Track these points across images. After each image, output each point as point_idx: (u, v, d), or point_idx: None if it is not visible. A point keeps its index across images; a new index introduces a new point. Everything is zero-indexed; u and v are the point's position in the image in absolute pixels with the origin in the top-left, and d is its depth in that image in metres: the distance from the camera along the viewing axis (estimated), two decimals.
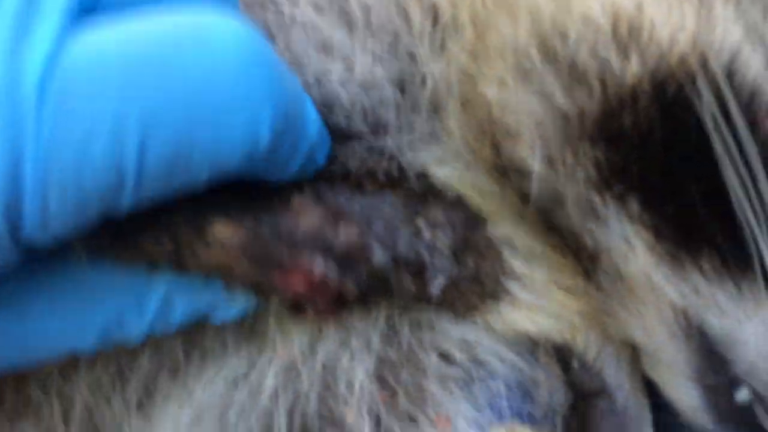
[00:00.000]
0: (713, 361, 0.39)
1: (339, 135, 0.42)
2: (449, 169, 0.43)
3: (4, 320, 0.36)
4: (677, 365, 0.40)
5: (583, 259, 0.41)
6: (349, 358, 0.44)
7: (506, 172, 0.42)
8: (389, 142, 0.42)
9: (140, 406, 0.45)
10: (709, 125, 0.36)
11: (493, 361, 0.45)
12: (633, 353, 0.44)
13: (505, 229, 0.43)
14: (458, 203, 0.43)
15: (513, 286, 0.43)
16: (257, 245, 0.38)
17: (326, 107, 0.41)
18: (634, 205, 0.38)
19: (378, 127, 0.42)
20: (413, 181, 0.43)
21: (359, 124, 0.42)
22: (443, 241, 0.41)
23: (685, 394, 0.40)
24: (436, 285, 0.41)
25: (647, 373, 0.43)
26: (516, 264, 0.43)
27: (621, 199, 0.39)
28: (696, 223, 0.37)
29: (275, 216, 0.39)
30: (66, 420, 0.44)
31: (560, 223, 0.41)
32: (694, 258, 0.38)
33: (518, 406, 0.46)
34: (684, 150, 0.37)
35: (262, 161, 0.35)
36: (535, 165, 0.39)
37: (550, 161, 0.39)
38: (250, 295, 0.40)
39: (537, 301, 0.43)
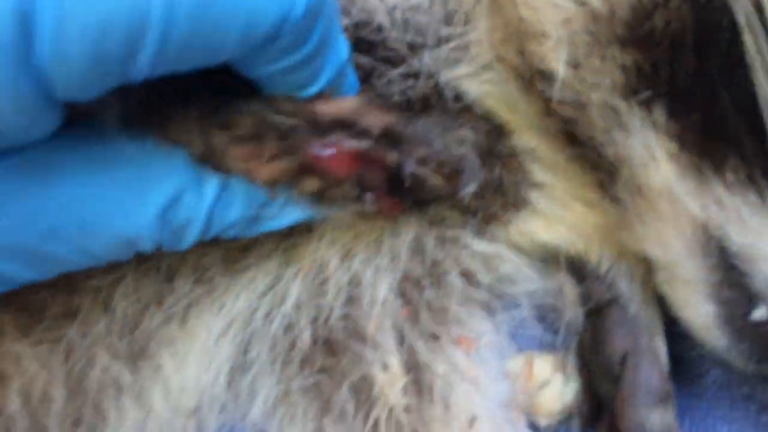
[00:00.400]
0: (731, 277, 0.38)
1: (377, 60, 0.41)
2: (478, 83, 0.42)
3: (62, 200, 0.35)
4: (693, 281, 0.39)
5: (602, 171, 0.40)
6: (374, 272, 0.44)
7: (531, 78, 0.41)
8: (426, 59, 0.41)
9: (177, 317, 0.45)
10: (743, 27, 0.35)
11: (513, 278, 0.44)
12: (646, 268, 0.43)
13: (529, 140, 0.43)
14: (485, 116, 0.43)
15: (534, 196, 0.43)
16: (290, 139, 0.38)
17: (365, 24, 0.41)
18: (660, 113, 0.37)
19: (415, 44, 0.41)
20: (448, 101, 0.42)
21: (397, 40, 0.41)
22: (472, 152, 0.41)
23: (699, 312, 0.39)
24: (467, 190, 0.41)
25: (660, 290, 0.42)
26: (538, 174, 0.43)
27: (646, 107, 0.38)
28: (722, 133, 0.36)
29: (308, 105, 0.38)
30: (109, 328, 0.44)
31: (582, 132, 0.40)
32: (717, 169, 0.37)
33: (538, 335, 0.46)
34: (715, 54, 0.36)
35: (291, 45, 0.34)
36: (560, 68, 0.38)
37: (575, 65, 0.39)
38: (304, 204, 0.40)
39: (556, 212, 0.43)
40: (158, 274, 0.44)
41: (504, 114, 0.43)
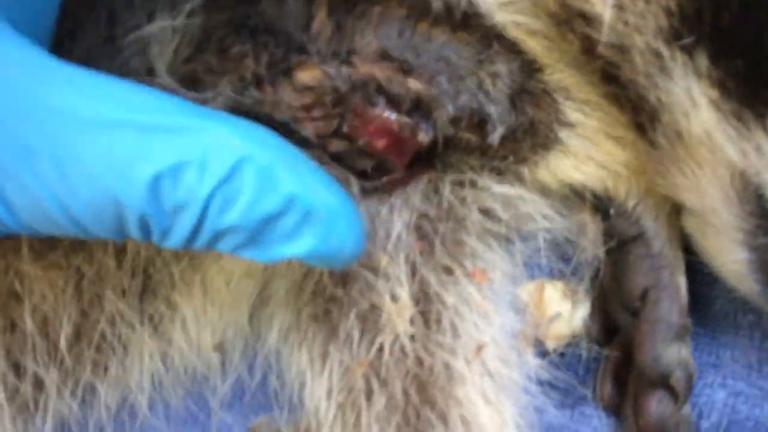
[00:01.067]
0: (766, 225, 0.38)
1: None
2: (512, 14, 0.42)
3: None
4: (727, 228, 0.39)
5: (641, 115, 0.40)
6: (389, 211, 0.43)
7: (570, 18, 0.40)
8: None
9: (189, 257, 0.44)
10: None
11: (533, 217, 0.44)
12: (671, 206, 0.43)
13: (562, 77, 0.42)
14: (518, 50, 0.42)
15: (565, 134, 0.42)
16: (336, 93, 0.38)
17: None
18: (703, 59, 0.37)
19: None
20: (480, 27, 0.41)
21: None
22: (504, 91, 0.41)
23: (732, 259, 0.40)
24: (496, 136, 0.41)
25: (692, 235, 0.43)
26: (570, 112, 0.42)
27: (690, 52, 0.37)
28: (765, 80, 0.36)
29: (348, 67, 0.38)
30: (119, 263, 0.43)
31: (622, 75, 0.40)
32: (759, 116, 0.37)
33: (551, 264, 0.46)
34: None
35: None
36: (606, 12, 0.38)
37: (620, 7, 0.38)
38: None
39: (586, 150, 0.43)
40: None
41: (538, 49, 0.42)
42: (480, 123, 0.41)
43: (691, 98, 0.38)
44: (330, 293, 0.44)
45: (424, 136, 0.39)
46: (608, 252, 0.44)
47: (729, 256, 0.40)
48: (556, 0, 0.40)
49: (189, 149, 0.32)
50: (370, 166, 0.41)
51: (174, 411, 0.48)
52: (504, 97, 0.41)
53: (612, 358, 0.44)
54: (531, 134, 0.42)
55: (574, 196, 0.45)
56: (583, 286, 0.45)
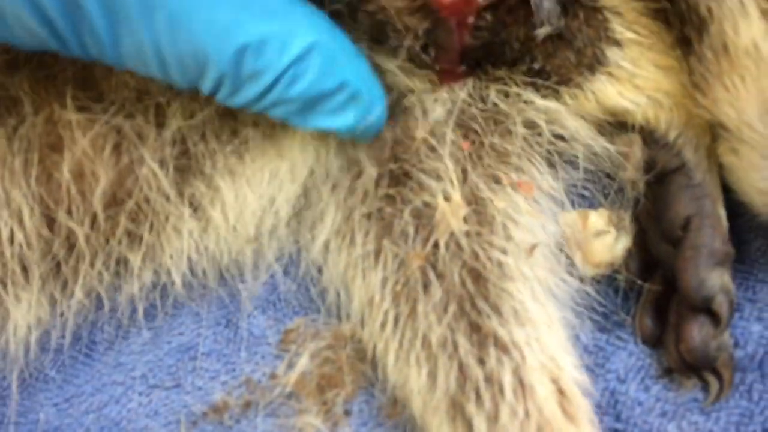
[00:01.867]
0: None
1: None
2: None
3: None
4: (761, 144, 0.40)
5: (689, 28, 0.42)
6: (432, 102, 0.45)
7: None
8: None
9: (234, 143, 0.45)
10: None
11: (576, 137, 0.45)
12: (711, 139, 0.44)
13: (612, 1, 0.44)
14: None
15: (612, 53, 0.44)
16: None
17: None
18: None
19: None
20: None
21: None
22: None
23: (762, 176, 0.41)
24: (542, 32, 0.42)
25: (725, 161, 0.44)
26: (618, 31, 0.44)
27: None
28: None
29: None
30: (159, 132, 0.44)
31: None
32: None
33: (593, 195, 0.47)
34: None
35: None
36: None
37: None
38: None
39: (630, 74, 0.44)
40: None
41: None
42: (527, 17, 0.41)
43: (742, 9, 0.40)
44: (383, 192, 0.44)
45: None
46: (647, 186, 0.45)
47: (761, 174, 0.41)
48: None
49: (276, 29, 0.37)
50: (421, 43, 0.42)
51: (207, 298, 0.46)
52: (554, 6, 0.42)
53: (652, 291, 0.44)
54: (575, 52, 0.43)
55: (615, 127, 0.46)
56: (628, 217, 0.46)
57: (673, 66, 0.44)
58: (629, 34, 0.44)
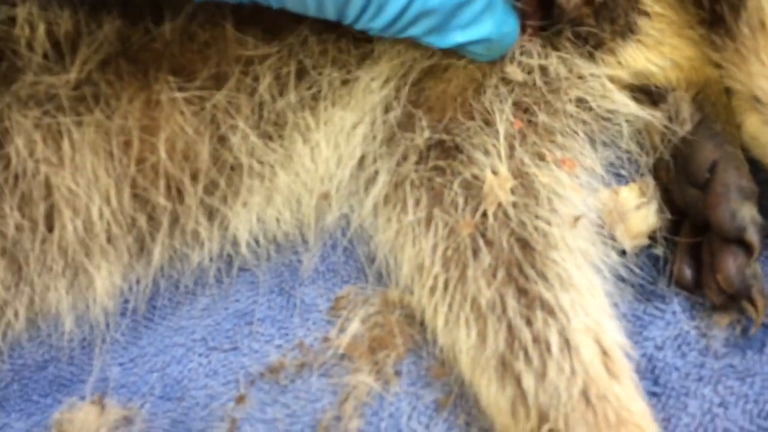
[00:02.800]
0: None
1: None
2: None
3: None
4: None
5: (725, 6, 0.44)
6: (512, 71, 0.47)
7: None
8: None
9: (311, 103, 0.47)
10: None
11: (621, 113, 0.47)
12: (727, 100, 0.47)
13: None
14: None
15: (642, 23, 0.46)
16: None
17: None
18: None
19: None
20: None
21: None
22: None
23: None
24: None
25: (759, 132, 0.46)
26: (648, 4, 0.47)
27: None
28: None
29: None
30: (252, 101, 0.46)
31: None
32: None
33: (628, 167, 0.49)
34: None
35: None
36: None
37: None
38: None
39: (657, 42, 0.47)
40: (301, 57, 0.46)
41: None
42: None
43: None
44: (433, 163, 0.46)
45: None
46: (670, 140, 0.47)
47: None
48: None
49: None
50: None
51: (267, 269, 0.49)
52: None
53: (684, 242, 0.47)
54: (610, 20, 0.46)
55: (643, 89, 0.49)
56: (650, 181, 0.48)
57: (692, 36, 0.47)
58: (657, 8, 0.47)
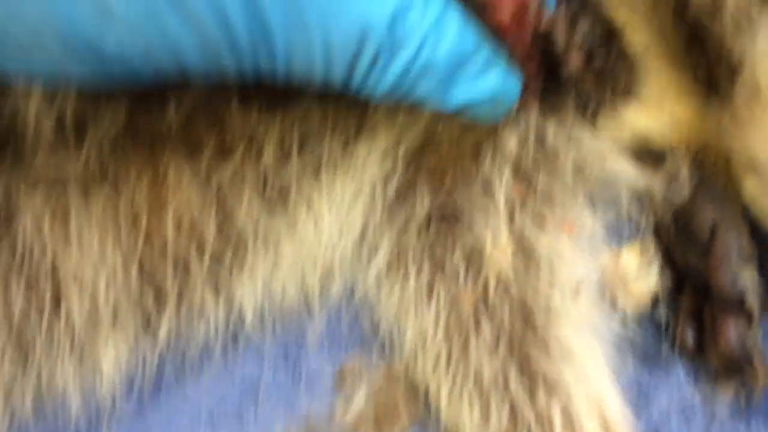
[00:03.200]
0: None
1: None
2: None
3: None
4: None
5: (720, 72, 0.44)
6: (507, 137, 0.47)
7: None
8: None
9: (314, 170, 0.47)
10: None
11: (619, 177, 0.48)
12: (727, 160, 0.47)
13: (642, 38, 0.47)
14: (602, 9, 0.46)
15: (641, 85, 0.47)
16: None
17: None
18: None
19: None
20: None
21: None
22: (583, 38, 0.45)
23: None
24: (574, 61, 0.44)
25: (754, 200, 0.46)
26: (646, 67, 0.47)
27: None
28: None
29: None
30: (258, 171, 0.46)
31: (711, 34, 0.44)
32: None
33: (630, 226, 0.49)
34: None
35: None
36: None
37: None
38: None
39: (657, 102, 0.47)
40: (303, 128, 0.46)
41: (621, 12, 0.47)
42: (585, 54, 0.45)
43: None
44: (434, 231, 0.46)
45: (547, 17, 0.41)
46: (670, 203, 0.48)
47: None
48: None
49: None
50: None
51: (272, 339, 0.49)
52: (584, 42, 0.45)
53: (687, 305, 0.47)
54: (611, 82, 0.46)
55: (643, 151, 0.49)
56: (651, 242, 0.49)
57: (691, 97, 0.47)
58: (655, 72, 0.47)
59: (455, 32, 0.39)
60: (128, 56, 0.36)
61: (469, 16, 0.40)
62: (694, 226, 0.47)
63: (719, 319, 0.45)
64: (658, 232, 0.49)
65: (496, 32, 0.41)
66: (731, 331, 0.44)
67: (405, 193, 0.48)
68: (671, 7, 0.45)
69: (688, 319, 0.47)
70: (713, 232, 0.46)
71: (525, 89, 0.44)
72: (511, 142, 0.46)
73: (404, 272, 0.47)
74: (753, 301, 0.45)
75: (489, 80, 0.41)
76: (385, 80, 0.39)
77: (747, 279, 0.45)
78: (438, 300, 0.45)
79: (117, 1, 0.34)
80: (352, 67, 0.38)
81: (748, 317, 0.45)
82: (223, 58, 0.37)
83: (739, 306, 0.45)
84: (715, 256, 0.46)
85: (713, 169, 0.49)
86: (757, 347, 0.44)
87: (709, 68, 0.45)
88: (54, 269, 0.44)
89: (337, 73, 0.38)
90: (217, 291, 0.47)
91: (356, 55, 0.37)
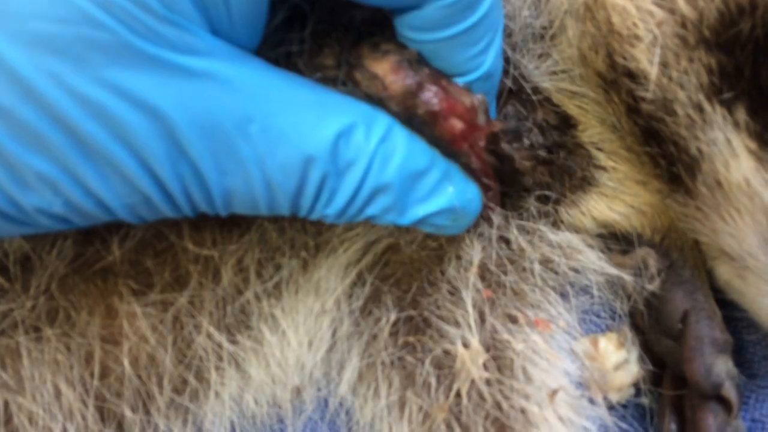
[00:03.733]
0: None
1: None
2: (556, 80, 0.46)
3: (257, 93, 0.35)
4: (765, 272, 0.42)
5: (679, 167, 0.44)
6: (469, 244, 0.46)
7: (615, 80, 0.45)
8: (514, 57, 0.45)
9: (275, 291, 0.46)
10: None
11: (588, 267, 0.47)
12: (692, 242, 0.47)
13: (596, 132, 0.47)
14: (556, 109, 0.47)
15: (599, 176, 0.47)
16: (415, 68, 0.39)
17: None
18: (742, 113, 0.41)
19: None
20: (527, 93, 0.45)
21: None
22: (539, 138, 0.45)
23: None
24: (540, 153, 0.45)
25: (733, 284, 0.46)
26: (603, 159, 0.47)
27: (729, 106, 0.41)
28: None
29: None
30: (215, 297, 0.45)
31: (664, 130, 0.44)
32: None
33: (601, 317, 0.48)
34: None
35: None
36: (653, 69, 0.42)
37: (664, 65, 0.42)
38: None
39: (617, 191, 0.47)
40: (260, 247, 0.45)
41: (573, 109, 0.47)
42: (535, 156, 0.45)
43: (730, 149, 0.42)
44: (403, 340, 0.45)
45: (494, 123, 0.41)
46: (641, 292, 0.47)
47: (766, 300, 0.42)
48: (604, 61, 0.44)
49: (356, 114, 0.37)
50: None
51: None
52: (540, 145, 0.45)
53: (667, 393, 0.46)
54: (568, 175, 0.46)
55: (607, 242, 0.49)
56: (629, 331, 0.48)
57: (653, 184, 0.47)
58: (612, 163, 0.48)
59: (404, 149, 0.38)
60: (53, 213, 0.35)
61: (418, 132, 0.39)
62: (665, 316, 0.46)
63: (698, 410, 0.44)
64: (634, 319, 0.49)
65: (449, 143, 0.40)
66: (710, 424, 0.44)
67: (371, 305, 0.47)
68: (624, 103, 0.45)
69: (670, 407, 0.46)
70: (684, 321, 0.46)
71: (485, 196, 0.43)
72: (474, 245, 0.45)
73: (375, 385, 0.46)
74: (730, 389, 0.44)
75: (445, 195, 0.40)
76: (335, 204, 0.38)
77: (722, 369, 0.44)
78: (410, 415, 0.44)
79: (33, 162, 0.33)
80: (297, 196, 0.37)
81: (727, 407, 0.44)
82: (158, 206, 0.36)
83: (716, 397, 0.44)
84: (687, 346, 0.45)
85: (681, 255, 0.48)
86: None
87: (668, 160, 0.45)
88: (7, 414, 0.42)
89: (282, 205, 0.37)
90: (184, 419, 0.46)
91: (300, 186, 0.37)
